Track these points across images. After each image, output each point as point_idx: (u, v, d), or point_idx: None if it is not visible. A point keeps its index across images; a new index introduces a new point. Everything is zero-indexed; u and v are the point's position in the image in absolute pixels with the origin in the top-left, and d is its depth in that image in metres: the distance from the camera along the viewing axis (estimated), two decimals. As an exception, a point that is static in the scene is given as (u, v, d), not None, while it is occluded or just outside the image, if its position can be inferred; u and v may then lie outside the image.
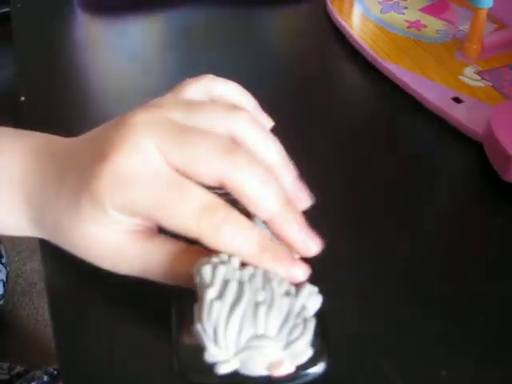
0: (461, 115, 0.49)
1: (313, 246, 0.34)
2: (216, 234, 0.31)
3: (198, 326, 0.30)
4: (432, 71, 0.54)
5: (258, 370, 0.30)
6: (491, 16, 0.60)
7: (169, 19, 0.67)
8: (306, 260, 0.33)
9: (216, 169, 0.32)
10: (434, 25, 0.61)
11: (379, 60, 0.56)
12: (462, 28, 0.60)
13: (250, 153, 0.33)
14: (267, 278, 0.31)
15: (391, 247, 0.41)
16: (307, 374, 0.31)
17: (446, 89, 0.52)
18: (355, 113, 0.54)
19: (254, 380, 0.31)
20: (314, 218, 0.39)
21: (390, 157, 0.48)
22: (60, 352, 0.35)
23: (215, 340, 0.30)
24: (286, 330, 0.30)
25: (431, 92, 0.52)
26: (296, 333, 0.30)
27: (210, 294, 0.30)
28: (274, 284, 0.31)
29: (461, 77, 0.53)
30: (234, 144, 0.33)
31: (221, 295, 0.30)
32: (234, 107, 0.35)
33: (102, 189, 0.32)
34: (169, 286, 0.34)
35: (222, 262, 0.31)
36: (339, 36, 0.62)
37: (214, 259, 0.32)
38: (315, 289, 0.32)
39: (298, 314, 0.31)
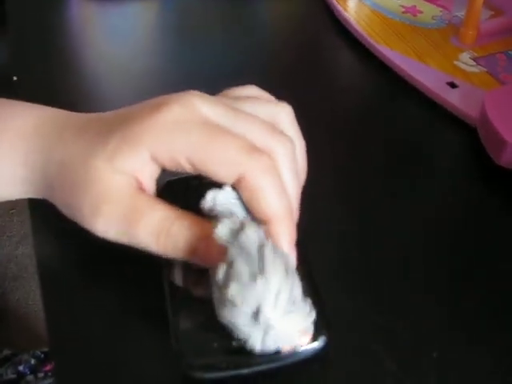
0: (455, 100, 0.49)
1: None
2: (261, 176, 0.32)
3: (261, 282, 0.29)
4: (427, 56, 0.54)
5: (289, 338, 0.30)
6: (487, 3, 0.59)
7: (163, 2, 0.66)
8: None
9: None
10: (429, 10, 0.61)
11: (375, 45, 0.56)
12: (457, 14, 0.60)
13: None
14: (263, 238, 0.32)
15: (385, 232, 0.41)
16: (308, 350, 0.31)
17: (441, 74, 0.52)
18: (350, 97, 0.54)
19: (256, 358, 0.31)
20: (308, 202, 0.39)
21: (385, 141, 0.48)
22: (52, 335, 0.35)
23: (274, 298, 0.29)
24: (303, 299, 0.31)
25: (426, 77, 0.52)
26: (308, 305, 0.31)
27: (270, 251, 0.30)
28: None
29: (456, 62, 0.53)
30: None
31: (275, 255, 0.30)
32: (280, 131, 0.35)
33: (147, 128, 0.32)
34: (158, 266, 0.34)
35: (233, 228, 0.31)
36: (335, 21, 0.62)
37: (242, 221, 0.31)
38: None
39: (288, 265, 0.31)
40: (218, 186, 0.33)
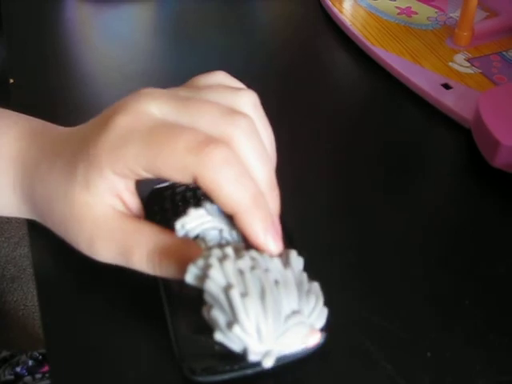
0: (450, 101, 0.49)
1: (272, 245, 0.32)
2: (212, 173, 0.30)
3: (236, 330, 0.28)
4: (422, 58, 0.54)
5: (294, 346, 0.30)
6: (482, 4, 0.60)
7: (160, 4, 0.66)
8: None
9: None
10: (424, 11, 0.61)
11: (370, 46, 0.56)
12: (452, 15, 0.60)
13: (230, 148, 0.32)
14: (264, 258, 0.31)
15: (381, 232, 0.41)
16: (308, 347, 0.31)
17: (435, 75, 0.52)
18: (345, 98, 0.54)
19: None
20: (304, 201, 0.39)
21: (380, 142, 0.48)
22: (48, 338, 0.35)
23: (257, 336, 0.29)
24: (304, 299, 0.30)
25: (421, 78, 0.52)
26: (312, 299, 0.30)
27: (236, 294, 0.29)
28: (274, 261, 0.31)
29: (451, 63, 0.54)
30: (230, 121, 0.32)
31: (245, 291, 0.29)
32: (235, 111, 0.33)
33: (101, 148, 0.32)
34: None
35: (221, 258, 0.30)
36: (330, 22, 0.62)
37: (211, 259, 0.30)
38: (294, 251, 0.32)
39: (302, 280, 0.31)
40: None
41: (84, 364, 0.33)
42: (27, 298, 1.35)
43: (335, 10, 0.61)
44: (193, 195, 0.39)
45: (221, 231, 0.33)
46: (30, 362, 0.96)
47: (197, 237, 0.33)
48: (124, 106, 0.33)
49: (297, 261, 0.32)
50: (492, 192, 0.44)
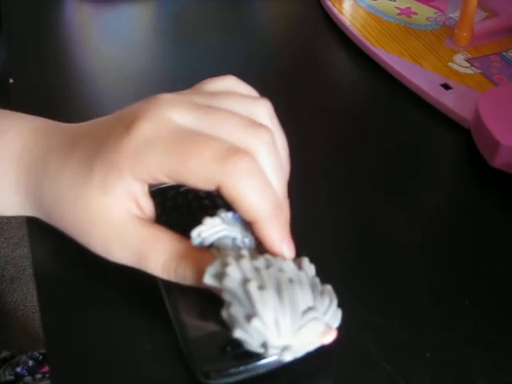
0: (450, 102, 0.49)
1: (287, 251, 0.33)
2: (237, 182, 0.31)
3: (256, 322, 0.29)
4: (422, 58, 0.54)
5: (311, 344, 0.31)
6: (482, 4, 0.60)
7: (160, 4, 0.66)
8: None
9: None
10: (424, 12, 0.61)
11: (369, 46, 0.56)
12: (452, 15, 0.60)
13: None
14: (278, 260, 0.32)
15: (380, 232, 0.41)
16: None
17: (435, 75, 0.52)
18: (345, 98, 0.54)
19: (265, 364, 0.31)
20: (303, 202, 0.39)
21: (379, 142, 0.48)
22: (48, 337, 0.35)
23: (276, 329, 0.29)
24: (318, 298, 0.31)
25: (421, 78, 0.52)
26: (326, 298, 0.31)
27: (253, 287, 0.29)
28: (288, 263, 0.32)
29: (450, 64, 0.54)
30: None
31: (262, 286, 0.29)
32: (257, 123, 0.34)
33: (123, 154, 0.32)
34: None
35: (236, 258, 0.31)
36: (330, 22, 0.62)
37: (228, 258, 0.31)
38: (307, 258, 0.33)
39: (315, 284, 0.31)
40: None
41: (84, 364, 0.33)
42: (27, 299, 1.35)
43: (335, 10, 0.61)
44: (194, 196, 0.39)
45: (234, 239, 0.34)
46: (31, 363, 0.96)
47: (211, 245, 0.33)
48: (146, 112, 0.33)
49: (309, 267, 0.32)
50: (492, 192, 0.44)
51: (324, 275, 0.33)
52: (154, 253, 0.33)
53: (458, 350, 0.34)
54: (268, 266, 0.31)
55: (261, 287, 0.29)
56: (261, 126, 0.33)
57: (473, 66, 0.53)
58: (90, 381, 0.33)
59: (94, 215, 0.34)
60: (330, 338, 0.31)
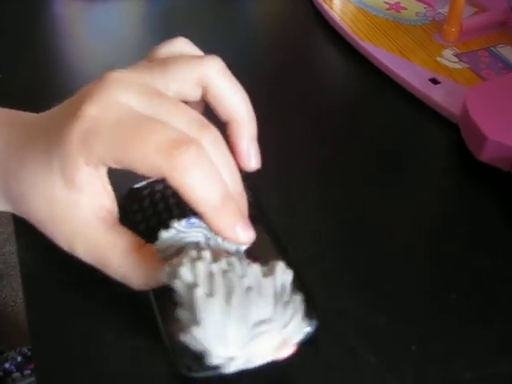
0: (438, 96, 0.49)
1: (243, 236, 0.33)
2: (184, 175, 0.30)
3: (195, 331, 0.27)
4: (411, 53, 0.54)
5: (263, 357, 0.29)
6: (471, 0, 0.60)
7: (150, 0, 0.66)
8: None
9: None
10: (413, 7, 0.61)
11: (359, 41, 0.56)
12: (441, 11, 0.60)
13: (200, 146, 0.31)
14: (244, 264, 0.30)
15: (368, 227, 0.41)
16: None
17: (424, 70, 0.52)
18: (335, 94, 0.54)
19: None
20: (293, 198, 0.39)
21: (368, 137, 0.48)
22: (33, 336, 0.35)
23: (219, 340, 0.28)
24: (279, 309, 0.29)
25: (409, 73, 0.52)
26: (289, 311, 0.29)
27: (200, 293, 0.28)
28: (253, 268, 0.30)
29: (439, 58, 0.54)
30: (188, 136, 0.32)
31: (211, 292, 0.28)
32: (205, 56, 0.35)
33: (74, 140, 0.31)
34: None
35: (195, 259, 0.30)
36: (320, 17, 0.62)
37: (185, 259, 0.30)
38: (283, 264, 0.31)
39: (282, 292, 0.30)
40: None
41: (70, 361, 0.33)
42: (17, 295, 1.34)
43: (325, 5, 0.61)
44: (172, 193, 0.39)
45: (198, 244, 0.33)
46: (19, 358, 0.96)
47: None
48: (93, 95, 0.32)
49: (282, 272, 0.30)
50: (478, 186, 0.44)
51: (312, 270, 0.33)
52: (112, 263, 0.33)
53: (443, 343, 0.34)
54: (227, 271, 0.29)
55: (209, 294, 0.28)
56: (209, 125, 0.33)
57: (461, 60, 0.53)
58: (75, 377, 0.33)
59: (58, 212, 0.34)
60: (285, 352, 0.29)
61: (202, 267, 0.29)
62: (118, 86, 0.32)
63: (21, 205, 0.36)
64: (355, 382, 0.32)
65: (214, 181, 0.31)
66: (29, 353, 0.98)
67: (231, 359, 0.28)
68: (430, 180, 0.45)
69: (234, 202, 0.32)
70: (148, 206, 0.39)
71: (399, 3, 0.62)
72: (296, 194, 0.43)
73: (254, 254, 0.34)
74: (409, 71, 0.52)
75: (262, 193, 0.40)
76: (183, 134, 0.31)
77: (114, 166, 0.32)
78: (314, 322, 0.32)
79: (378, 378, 0.32)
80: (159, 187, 0.39)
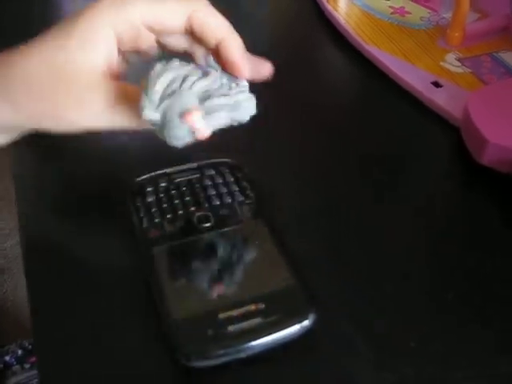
0: (440, 100, 0.50)
1: (246, 69, 0.37)
2: (205, 8, 0.37)
3: (142, 88, 0.33)
4: (414, 56, 0.55)
5: (174, 118, 0.32)
6: (474, 5, 0.60)
7: None
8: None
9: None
10: (418, 12, 0.62)
11: (363, 44, 0.57)
12: (445, 16, 0.61)
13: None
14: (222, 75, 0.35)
15: (368, 228, 0.41)
16: (299, 328, 0.33)
17: (426, 74, 0.53)
18: (337, 95, 0.54)
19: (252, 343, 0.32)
20: (294, 199, 0.39)
21: (370, 139, 0.49)
22: (36, 330, 0.35)
23: (146, 89, 0.33)
24: (209, 95, 0.33)
25: (412, 76, 0.53)
26: (220, 99, 0.33)
27: (159, 65, 0.34)
28: (224, 78, 0.35)
29: (442, 63, 0.54)
30: None
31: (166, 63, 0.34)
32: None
33: (101, 9, 0.35)
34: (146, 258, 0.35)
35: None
36: (324, 20, 0.63)
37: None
38: (252, 96, 0.35)
39: (231, 94, 0.34)
40: None
41: (72, 355, 0.34)
42: (17, 289, 1.35)
43: (329, 7, 0.62)
44: (176, 187, 0.40)
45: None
46: (19, 352, 0.97)
47: None
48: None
49: (244, 93, 0.35)
50: (479, 188, 0.44)
51: (313, 269, 0.34)
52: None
53: (441, 342, 0.35)
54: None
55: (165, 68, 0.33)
56: None
57: (464, 65, 0.54)
58: (77, 372, 0.33)
59: (71, 70, 0.35)
60: (192, 121, 0.33)
61: (176, 62, 0.34)
62: None
63: (19, 91, 0.36)
64: (355, 380, 0.33)
65: (222, 17, 0.38)
66: (29, 346, 0.98)
67: (150, 108, 0.33)
68: (430, 182, 0.45)
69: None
70: (152, 201, 0.39)
71: (404, 8, 0.62)
72: (299, 194, 0.44)
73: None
74: (412, 75, 0.53)
75: (265, 192, 0.41)
76: None
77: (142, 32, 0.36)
78: (313, 316, 0.33)
79: (378, 377, 0.33)
80: (163, 184, 0.40)
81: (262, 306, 0.33)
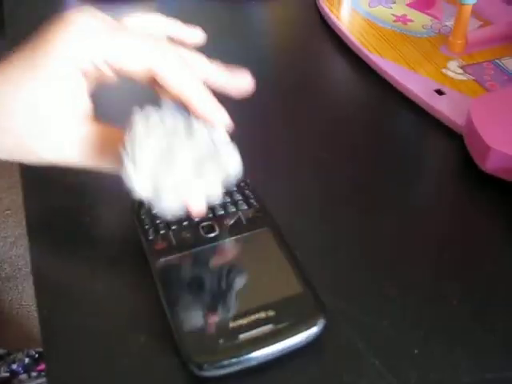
0: (443, 107, 0.50)
1: (221, 116, 0.36)
2: (170, 61, 0.35)
3: (122, 148, 0.33)
4: (417, 64, 0.56)
5: (167, 193, 0.32)
6: (476, 13, 0.61)
7: (160, 5, 0.67)
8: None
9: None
10: (420, 19, 0.62)
11: (366, 52, 0.57)
12: (447, 23, 0.62)
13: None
14: (204, 128, 0.35)
15: (371, 233, 0.42)
16: (309, 335, 0.33)
17: (429, 81, 0.53)
18: (340, 103, 0.55)
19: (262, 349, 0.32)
20: (296, 204, 0.40)
21: (373, 146, 0.49)
22: (44, 337, 0.36)
23: (133, 158, 0.32)
24: (201, 164, 0.33)
25: (415, 84, 0.53)
26: (211, 167, 0.33)
27: (138, 118, 0.34)
28: (211, 134, 0.35)
29: (444, 70, 0.55)
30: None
31: (147, 121, 0.34)
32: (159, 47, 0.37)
33: (59, 38, 0.36)
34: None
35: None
36: (327, 28, 0.63)
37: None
38: (235, 152, 0.35)
39: (216, 158, 0.34)
40: None
41: (80, 363, 0.34)
42: (22, 298, 1.35)
43: (332, 16, 0.62)
44: None
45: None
46: (26, 360, 0.97)
47: None
48: (62, 18, 0.37)
49: (228, 149, 0.35)
50: (482, 196, 0.45)
51: (315, 276, 0.34)
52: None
53: (444, 347, 0.35)
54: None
55: (147, 135, 0.33)
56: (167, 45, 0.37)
57: (466, 72, 0.54)
58: (86, 376, 0.33)
59: (43, 112, 0.35)
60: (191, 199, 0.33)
61: (155, 114, 0.35)
62: (84, 13, 0.37)
63: (6, 98, 0.36)
64: (359, 384, 0.33)
65: (192, 73, 0.36)
66: (36, 355, 0.98)
67: (139, 181, 0.32)
68: (434, 188, 0.46)
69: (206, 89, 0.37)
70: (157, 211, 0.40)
71: (406, 16, 0.63)
72: (303, 200, 0.44)
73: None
74: (415, 82, 0.53)
75: (270, 199, 0.41)
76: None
77: (102, 67, 0.36)
78: (322, 322, 0.33)
79: (382, 380, 0.33)
80: None
81: (272, 313, 0.33)
